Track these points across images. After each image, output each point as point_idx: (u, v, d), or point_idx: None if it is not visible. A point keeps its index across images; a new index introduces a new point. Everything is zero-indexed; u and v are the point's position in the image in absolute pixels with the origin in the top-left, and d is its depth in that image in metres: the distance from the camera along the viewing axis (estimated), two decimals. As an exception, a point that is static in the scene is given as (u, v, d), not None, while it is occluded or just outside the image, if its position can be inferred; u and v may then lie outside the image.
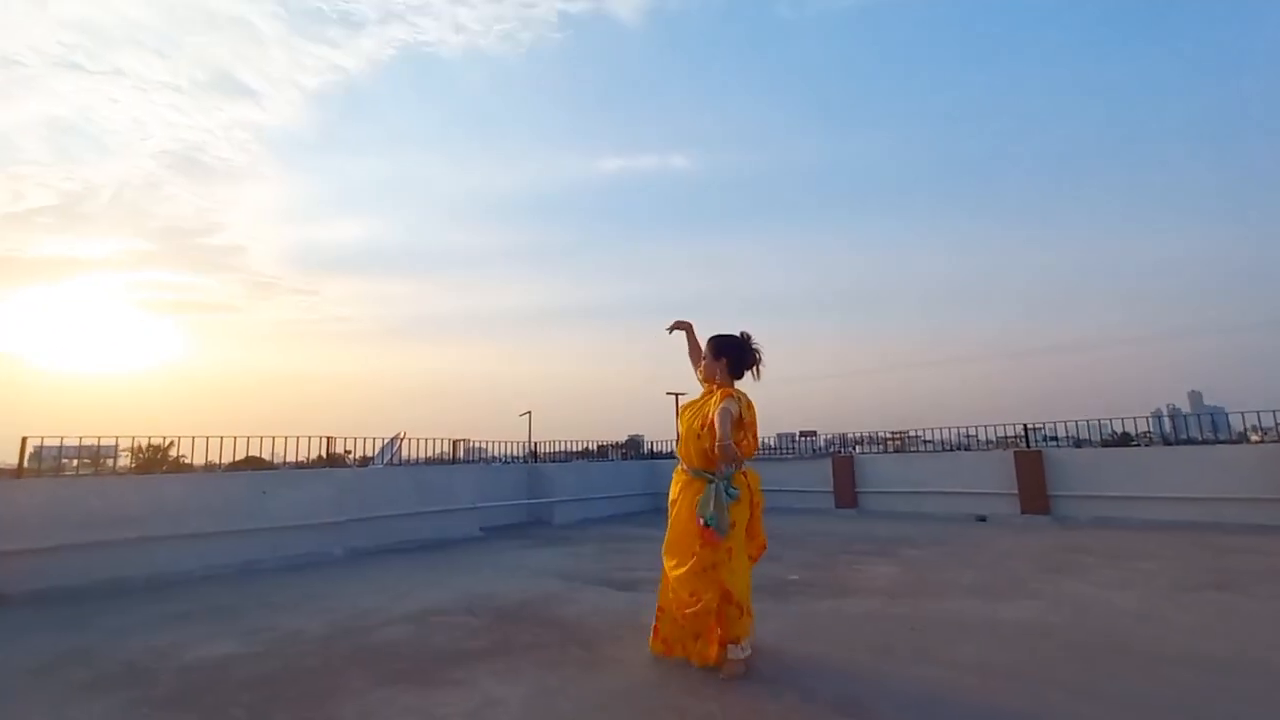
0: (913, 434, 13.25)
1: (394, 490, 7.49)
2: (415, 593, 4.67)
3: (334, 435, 9.59)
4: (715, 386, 3.07)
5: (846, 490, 9.89)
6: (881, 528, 7.71)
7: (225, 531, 5.96)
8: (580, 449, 14.08)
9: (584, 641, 3.38)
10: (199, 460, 8.63)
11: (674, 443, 15.11)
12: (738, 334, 3.11)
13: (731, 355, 3.07)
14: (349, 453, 9.37)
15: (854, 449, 13.00)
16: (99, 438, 8.05)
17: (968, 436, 11.78)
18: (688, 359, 3.43)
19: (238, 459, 8.95)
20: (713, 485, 2.82)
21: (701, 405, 3.05)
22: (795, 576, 4.93)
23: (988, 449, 10.83)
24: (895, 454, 11.66)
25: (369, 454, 10.21)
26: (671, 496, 3.09)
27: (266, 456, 9.65)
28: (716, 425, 2.72)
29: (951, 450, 11.15)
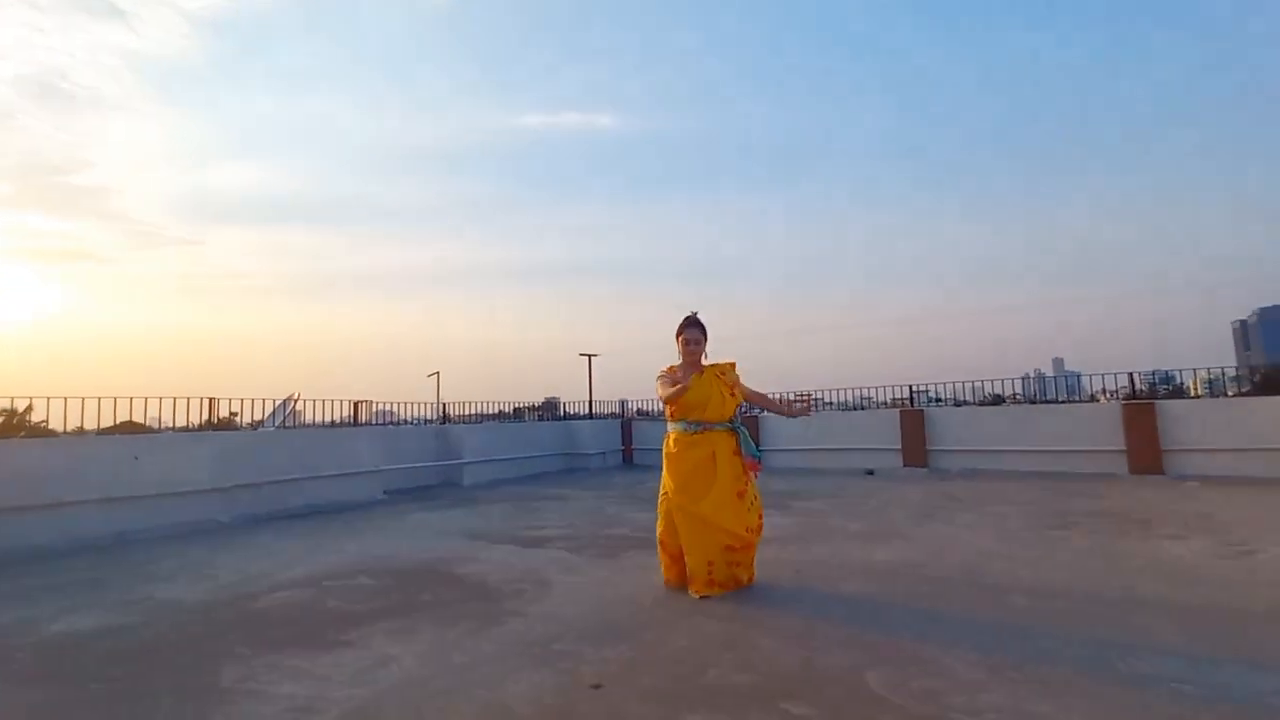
0: (817, 395, 14.04)
1: (287, 454, 7.10)
2: (308, 558, 4.49)
3: (219, 397, 8.90)
4: (699, 355, 3.59)
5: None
6: (781, 482, 8.16)
7: (93, 500, 5.45)
8: (495, 411, 13.84)
9: (486, 597, 3.40)
10: (65, 424, 7.80)
11: (588, 404, 15.13)
12: (700, 320, 3.64)
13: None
14: (235, 415, 8.75)
15: (760, 410, 13.61)
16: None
17: (864, 398, 12.61)
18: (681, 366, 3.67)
19: (111, 424, 8.16)
20: (743, 429, 3.50)
21: (713, 375, 3.55)
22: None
23: (880, 409, 11.66)
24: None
25: (260, 417, 9.59)
26: (681, 450, 3.46)
27: (145, 421, 8.82)
28: (750, 393, 3.65)
29: (848, 410, 11.92)
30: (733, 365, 3.65)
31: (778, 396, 3.96)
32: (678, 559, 3.46)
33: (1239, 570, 3.50)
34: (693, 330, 3.58)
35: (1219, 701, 2.00)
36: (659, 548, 3.59)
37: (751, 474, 3.49)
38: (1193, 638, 2.53)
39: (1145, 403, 8.01)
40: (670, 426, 3.57)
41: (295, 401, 9.12)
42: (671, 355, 3.69)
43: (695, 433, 3.44)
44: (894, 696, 2.11)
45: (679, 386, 3.38)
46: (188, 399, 8.56)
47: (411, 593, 3.53)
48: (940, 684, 2.19)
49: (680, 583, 3.45)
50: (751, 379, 3.70)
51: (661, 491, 3.56)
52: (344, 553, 4.64)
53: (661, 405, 3.63)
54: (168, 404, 8.34)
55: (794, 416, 3.76)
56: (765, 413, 3.99)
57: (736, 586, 3.38)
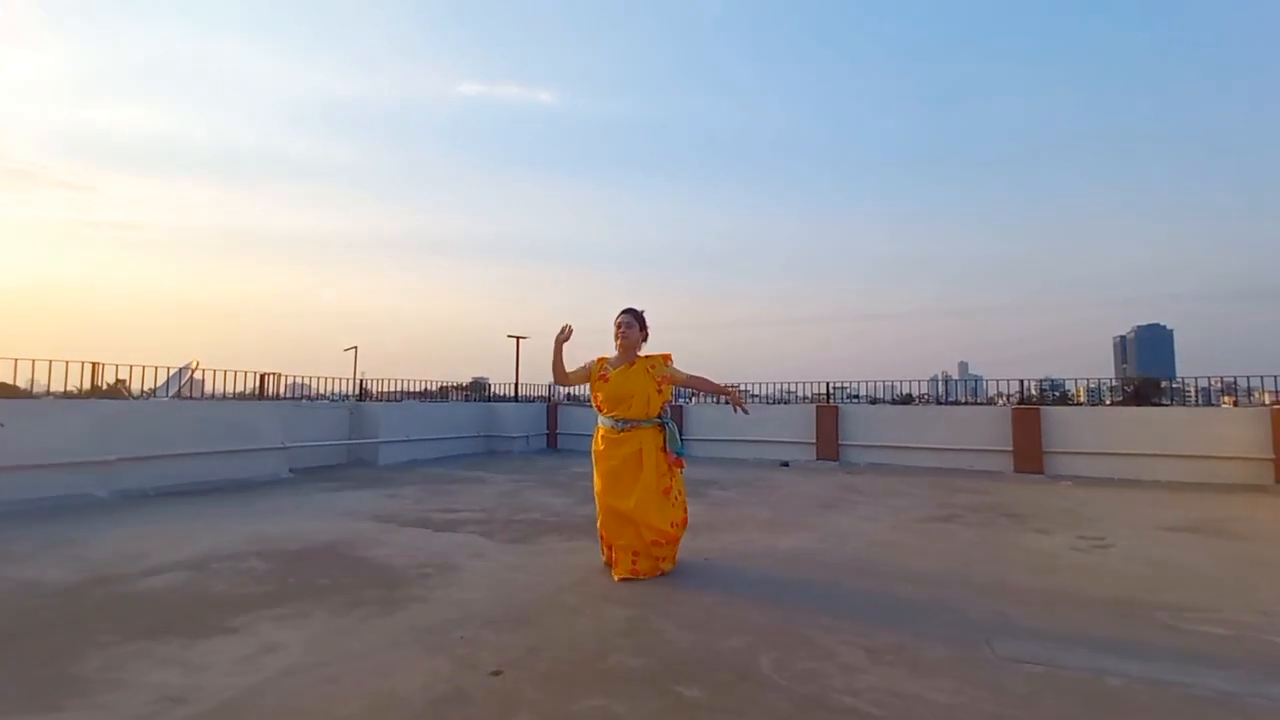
0: (741, 387, 14.43)
1: (180, 426, 6.60)
2: (196, 537, 4.21)
3: (105, 362, 8.14)
4: (637, 352, 3.62)
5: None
6: (698, 472, 8.34)
7: (-62, 470, 4.88)
8: (419, 389, 13.38)
9: (389, 582, 3.30)
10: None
11: (515, 387, 14.88)
12: (638, 309, 3.67)
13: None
14: (123, 382, 8.04)
15: (687, 399, 13.86)
16: None
17: (787, 392, 13.08)
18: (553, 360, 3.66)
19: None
20: (671, 424, 3.55)
21: (644, 369, 3.57)
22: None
23: (801, 404, 12.13)
24: (718, 406, 12.59)
25: (153, 386, 8.86)
26: (608, 448, 3.50)
27: (20, 384, 7.94)
28: (689, 378, 3.72)
29: (770, 404, 12.32)
30: (667, 358, 3.66)
31: (725, 385, 3.99)
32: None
33: (1091, 561, 3.88)
34: (624, 315, 3.60)
35: (1063, 680, 2.22)
36: (600, 539, 3.62)
37: (676, 470, 3.55)
38: (1046, 622, 2.80)
39: (1031, 408, 8.72)
40: (600, 420, 3.58)
41: (193, 370, 8.48)
42: (606, 344, 3.72)
43: (622, 430, 3.47)
44: (780, 678, 2.21)
45: (572, 371, 3.59)
46: (66, 362, 7.80)
47: (308, 576, 3.38)
48: (824, 665, 2.31)
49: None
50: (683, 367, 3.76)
51: (595, 487, 3.59)
52: (237, 533, 4.37)
53: (589, 393, 3.68)
54: (44, 366, 7.57)
55: (733, 404, 3.84)
56: (692, 402, 4.11)
57: (659, 574, 3.43)
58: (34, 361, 7.56)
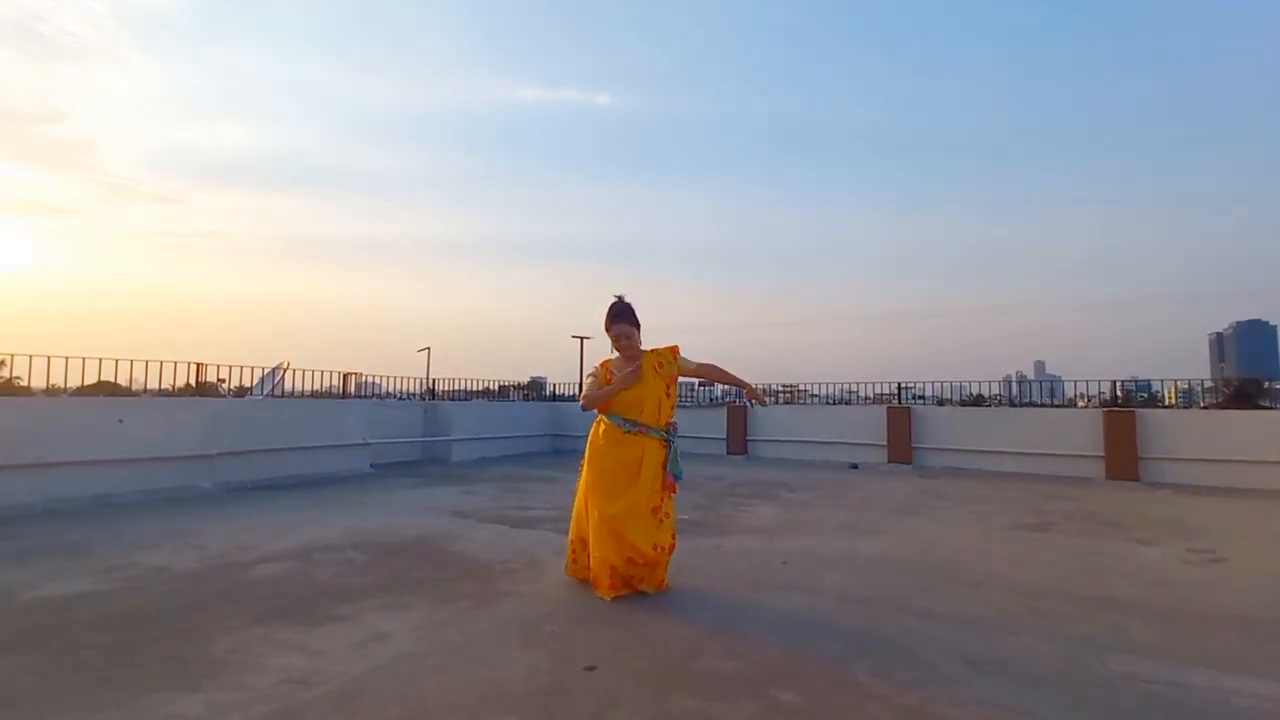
0: (801, 387, 14.18)
1: (275, 423, 7.05)
2: (297, 529, 4.49)
3: (205, 362, 8.78)
4: (637, 349, 3.31)
5: (738, 438, 10.45)
6: (767, 473, 8.26)
7: (73, 462, 5.38)
8: (481, 388, 13.81)
9: (477, 576, 3.42)
10: (39, 383, 7.67)
11: (578, 386, 15.12)
12: (621, 299, 3.34)
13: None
14: (223, 381, 8.64)
15: (748, 400, 13.73)
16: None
17: (849, 392, 12.76)
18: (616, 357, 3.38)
19: (88, 383, 8.03)
20: (675, 444, 3.28)
21: (651, 368, 3.28)
22: (685, 516, 5.20)
23: (865, 404, 11.80)
24: (784, 405, 12.40)
25: (246, 384, 9.48)
26: (608, 446, 3.22)
27: (124, 383, 8.68)
28: (700, 367, 3.43)
29: (833, 404, 12.05)
30: (674, 350, 3.37)
31: (756, 385, 3.71)
32: (585, 548, 3.26)
33: (1207, 575, 3.61)
34: (620, 324, 3.25)
35: (1188, 701, 2.08)
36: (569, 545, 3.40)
37: (669, 494, 3.26)
38: (1163, 639, 2.62)
39: (1126, 411, 8.18)
40: (604, 416, 3.30)
41: (284, 370, 9.03)
42: (613, 350, 3.37)
43: (629, 432, 3.20)
44: (879, 687, 2.17)
45: (607, 389, 3.20)
46: (174, 363, 8.45)
47: (402, 569, 3.55)
48: (924, 675, 2.25)
49: (583, 577, 3.27)
50: (743, 367, 3.59)
51: (580, 481, 3.35)
52: (333, 526, 4.63)
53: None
54: (149, 366, 8.23)
55: (749, 397, 3.63)
56: (755, 405, 3.85)
57: (633, 591, 3.16)
58: (146, 363, 8.24)
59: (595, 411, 3.36)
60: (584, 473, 3.31)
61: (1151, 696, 2.12)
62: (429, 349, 13.21)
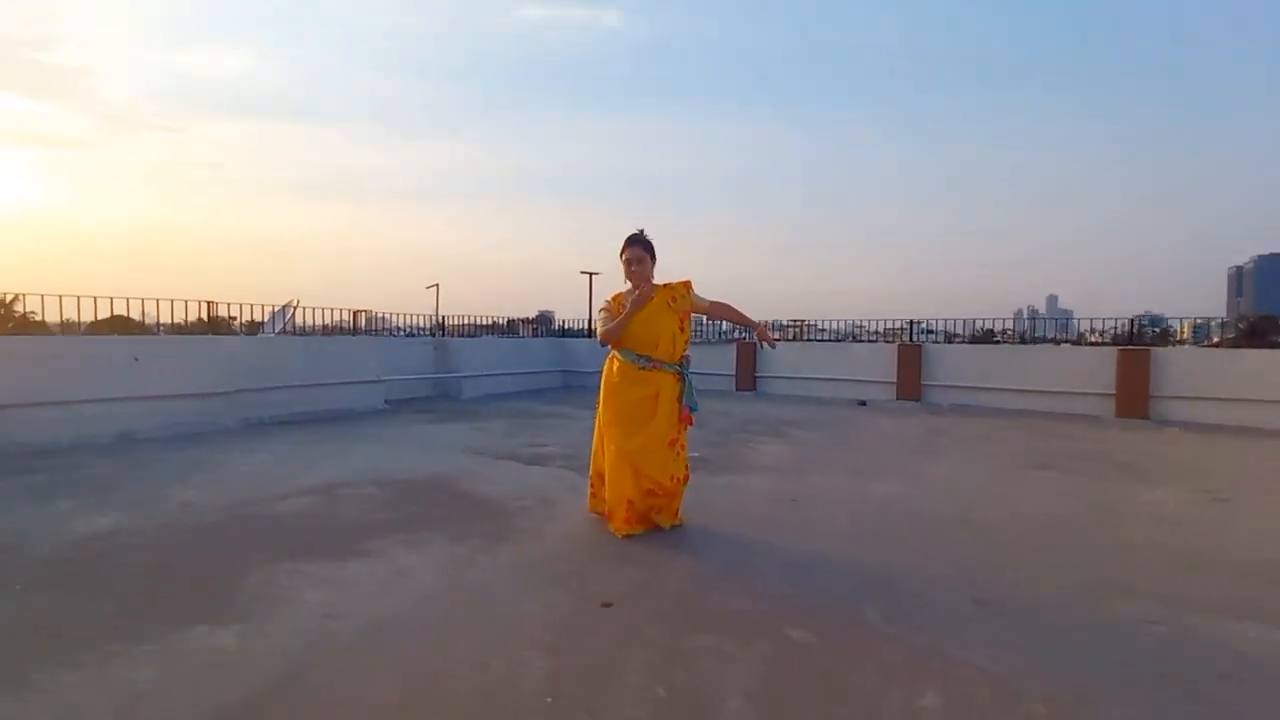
0: (810, 323, 14.08)
1: (290, 360, 7.10)
2: (317, 465, 4.59)
3: (215, 300, 8.78)
4: (649, 276, 3.32)
5: (747, 374, 10.48)
6: (775, 410, 8.32)
7: (95, 399, 5.47)
8: (489, 324, 13.80)
9: (493, 514, 3.51)
10: (53, 318, 7.72)
11: (587, 322, 15.04)
12: (646, 238, 3.35)
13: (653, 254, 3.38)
14: (234, 318, 8.67)
15: (758, 341, 13.67)
16: (-84, 288, 6.98)
17: (857, 327, 12.68)
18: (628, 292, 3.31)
19: (100, 318, 8.07)
20: (690, 377, 3.32)
21: (664, 302, 3.28)
22: (696, 454, 5.27)
23: (874, 341, 11.74)
24: (792, 342, 12.35)
25: (257, 320, 9.51)
26: (624, 383, 3.26)
27: (136, 318, 8.73)
28: (712, 305, 3.44)
29: (842, 340, 12.00)
30: (688, 285, 3.37)
31: (762, 322, 3.69)
32: (604, 484, 3.33)
33: (1218, 516, 3.66)
34: (634, 248, 3.27)
35: (1194, 645, 2.14)
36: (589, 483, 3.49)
37: (685, 425, 3.33)
38: (1173, 582, 2.67)
39: (1141, 349, 8.09)
40: (619, 353, 3.31)
41: (294, 307, 9.03)
42: (625, 280, 3.33)
43: (644, 369, 3.23)
44: (889, 627, 2.23)
45: (622, 318, 3.17)
46: (185, 301, 8.46)
47: (422, 506, 3.64)
48: (934, 616, 2.31)
49: (604, 511, 3.34)
50: (761, 302, 3.55)
51: (596, 418, 3.40)
52: (352, 462, 4.73)
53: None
54: (160, 304, 8.25)
55: (758, 338, 3.66)
56: (765, 346, 3.76)
57: (652, 527, 3.26)
58: (157, 301, 8.25)
59: (609, 347, 3.35)
60: (600, 410, 3.36)
61: (1160, 640, 2.17)
62: (438, 285, 13.09)
